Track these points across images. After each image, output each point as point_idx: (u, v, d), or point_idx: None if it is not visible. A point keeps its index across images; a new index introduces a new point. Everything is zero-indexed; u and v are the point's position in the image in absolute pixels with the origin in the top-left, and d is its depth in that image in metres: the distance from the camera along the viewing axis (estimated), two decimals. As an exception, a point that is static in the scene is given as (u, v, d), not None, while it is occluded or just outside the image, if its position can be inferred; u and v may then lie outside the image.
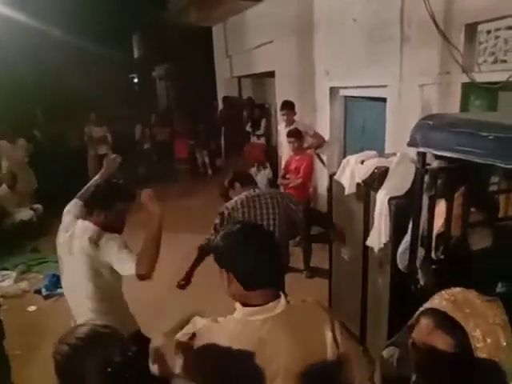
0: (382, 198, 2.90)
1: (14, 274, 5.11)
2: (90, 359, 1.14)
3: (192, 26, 9.64)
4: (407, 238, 2.13)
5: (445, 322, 1.10)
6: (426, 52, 3.71)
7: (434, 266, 2.04)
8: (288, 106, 5.34)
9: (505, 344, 1.06)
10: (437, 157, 2.05)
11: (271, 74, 7.26)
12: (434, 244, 2.00)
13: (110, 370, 1.13)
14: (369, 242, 3.01)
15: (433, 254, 1.99)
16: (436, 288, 1.23)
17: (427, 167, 1.96)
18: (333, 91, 5.49)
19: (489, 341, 1.05)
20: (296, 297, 1.47)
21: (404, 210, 2.67)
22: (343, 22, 4.89)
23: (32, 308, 4.46)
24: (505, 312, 1.12)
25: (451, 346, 1.07)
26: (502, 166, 1.50)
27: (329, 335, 1.34)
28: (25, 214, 6.34)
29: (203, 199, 7.69)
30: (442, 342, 1.08)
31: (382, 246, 2.92)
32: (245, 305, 1.33)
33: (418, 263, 2.02)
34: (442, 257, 2.04)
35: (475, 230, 2.16)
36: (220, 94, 10.15)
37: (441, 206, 2.04)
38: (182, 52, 11.63)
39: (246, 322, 1.30)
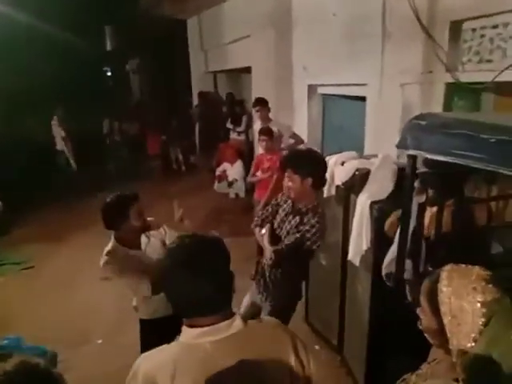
0: (363, 202, 2.75)
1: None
2: None
3: (167, 19, 9.31)
4: (394, 248, 1.95)
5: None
6: (408, 50, 3.56)
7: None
8: (261, 103, 5.07)
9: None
10: (426, 160, 1.88)
11: (248, 70, 7.03)
12: (423, 256, 1.83)
13: None
14: (350, 257, 2.84)
15: (421, 267, 1.82)
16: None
17: (417, 171, 1.79)
18: (311, 89, 5.31)
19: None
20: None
21: (386, 215, 2.54)
22: (322, 16, 4.70)
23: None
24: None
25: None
26: (506, 172, 1.33)
27: (291, 358, 1.17)
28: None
29: (176, 196, 7.41)
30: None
31: (363, 253, 2.77)
32: (191, 326, 1.13)
33: (406, 276, 1.85)
34: (431, 270, 1.87)
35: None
36: (195, 89, 9.85)
37: (431, 215, 1.88)
38: (156, 45, 11.29)
39: (193, 346, 1.10)
